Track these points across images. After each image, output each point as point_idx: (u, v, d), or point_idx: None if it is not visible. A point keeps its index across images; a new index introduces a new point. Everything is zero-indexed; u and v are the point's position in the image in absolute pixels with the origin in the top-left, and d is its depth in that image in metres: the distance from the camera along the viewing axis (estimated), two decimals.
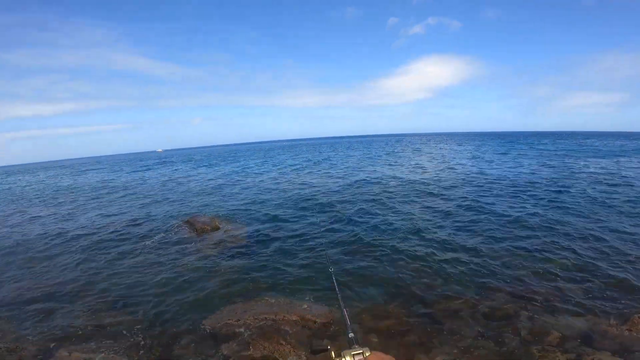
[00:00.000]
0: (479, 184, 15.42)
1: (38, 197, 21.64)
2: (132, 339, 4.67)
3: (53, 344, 4.52)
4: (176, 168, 39.06)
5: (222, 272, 7.08)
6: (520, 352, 4.05)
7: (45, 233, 11.28)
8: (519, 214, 10.08)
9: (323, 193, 15.24)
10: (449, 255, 7.27)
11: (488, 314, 4.94)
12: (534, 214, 9.96)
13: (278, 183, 19.89)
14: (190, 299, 5.93)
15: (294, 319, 4.85)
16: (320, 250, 7.91)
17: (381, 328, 4.76)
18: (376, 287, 6.03)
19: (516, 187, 14.39)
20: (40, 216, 14.65)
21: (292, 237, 9.23)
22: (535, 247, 7.44)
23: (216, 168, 35.29)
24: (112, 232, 10.87)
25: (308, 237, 9.18)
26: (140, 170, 39.65)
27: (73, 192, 22.55)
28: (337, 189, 16.30)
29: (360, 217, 10.77)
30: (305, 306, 5.22)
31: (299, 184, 19.03)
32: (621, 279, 5.75)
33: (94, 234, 10.84)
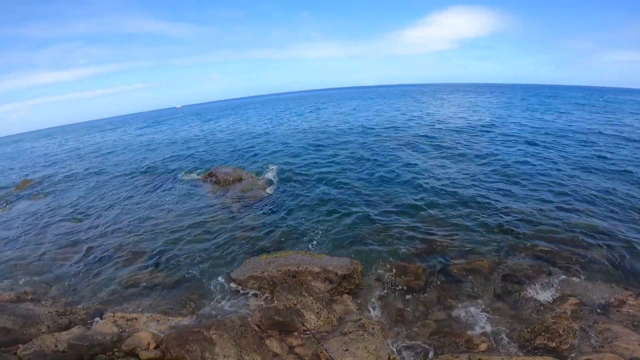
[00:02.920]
0: (511, 136, 14.66)
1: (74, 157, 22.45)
2: (167, 297, 4.99)
3: (98, 307, 4.88)
4: (193, 122, 39.04)
5: (245, 225, 7.36)
6: (535, 316, 4.12)
7: (74, 198, 11.18)
8: (547, 171, 9.63)
9: (339, 142, 14.93)
10: (471, 211, 7.16)
11: (507, 276, 4.98)
12: (564, 172, 9.48)
13: (295, 133, 19.55)
14: (217, 254, 6.24)
15: (316, 270, 4.92)
16: (343, 203, 8.01)
17: (401, 283, 4.92)
18: (396, 242, 6.09)
19: (544, 142, 13.62)
20: (74, 173, 15.28)
21: (314, 189, 9.26)
22: (563, 207, 7.20)
23: (234, 120, 35.12)
24: (135, 188, 11.24)
25: (330, 187, 9.13)
26: (158, 125, 40.13)
27: (95, 151, 23.30)
28: (347, 137, 15.91)
29: (390, 170, 10.59)
30: (327, 258, 5.30)
31: (315, 131, 18.63)
32: None
33: (119, 188, 11.31)
